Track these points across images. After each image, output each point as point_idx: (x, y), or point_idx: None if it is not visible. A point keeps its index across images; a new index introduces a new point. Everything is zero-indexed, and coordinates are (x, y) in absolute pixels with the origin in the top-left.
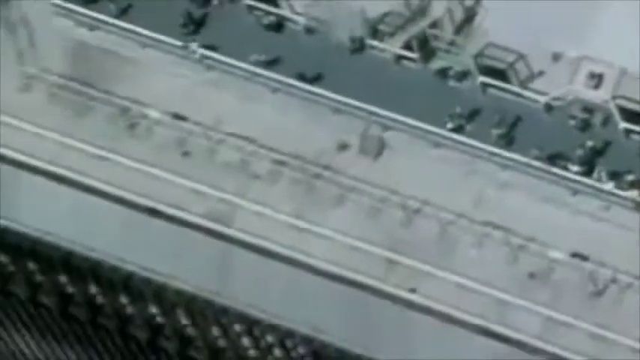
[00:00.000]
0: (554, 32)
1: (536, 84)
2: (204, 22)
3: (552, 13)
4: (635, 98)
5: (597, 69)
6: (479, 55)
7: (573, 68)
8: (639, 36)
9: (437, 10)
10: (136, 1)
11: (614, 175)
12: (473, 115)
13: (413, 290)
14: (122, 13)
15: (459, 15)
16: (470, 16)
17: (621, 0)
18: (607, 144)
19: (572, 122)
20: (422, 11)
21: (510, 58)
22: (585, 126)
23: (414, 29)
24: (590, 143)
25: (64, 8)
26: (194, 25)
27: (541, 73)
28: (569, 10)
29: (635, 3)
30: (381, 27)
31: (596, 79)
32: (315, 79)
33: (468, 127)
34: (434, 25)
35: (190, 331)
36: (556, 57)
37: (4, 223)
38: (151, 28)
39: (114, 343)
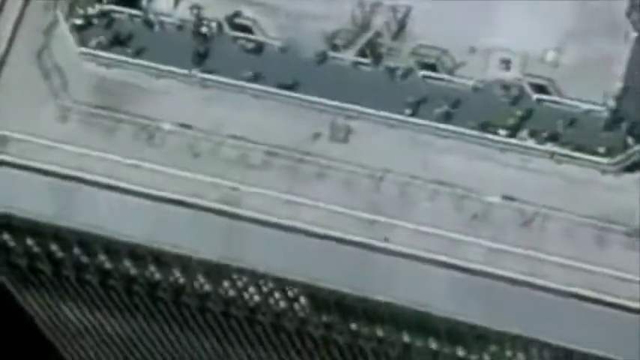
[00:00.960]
0: (468, 30)
1: (461, 72)
2: (207, 54)
3: (464, 15)
4: (538, 74)
5: (505, 55)
6: (414, 54)
7: (486, 57)
8: (532, 29)
9: (377, 24)
10: (148, 43)
11: (534, 134)
12: (420, 101)
13: (386, 239)
14: (137, 54)
15: (393, 26)
16: (402, 26)
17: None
18: (529, 111)
19: (504, 99)
20: (365, 26)
21: (437, 54)
22: (514, 100)
23: (362, 40)
24: (518, 112)
25: (89, 54)
26: (200, 58)
27: (462, 64)
28: (478, 12)
29: (526, 5)
30: (337, 41)
31: (506, 64)
32: (291, 87)
33: (420, 110)
34: (377, 35)
35: (207, 287)
36: (472, 50)
37: (58, 221)
38: (160, 62)
39: (144, 302)
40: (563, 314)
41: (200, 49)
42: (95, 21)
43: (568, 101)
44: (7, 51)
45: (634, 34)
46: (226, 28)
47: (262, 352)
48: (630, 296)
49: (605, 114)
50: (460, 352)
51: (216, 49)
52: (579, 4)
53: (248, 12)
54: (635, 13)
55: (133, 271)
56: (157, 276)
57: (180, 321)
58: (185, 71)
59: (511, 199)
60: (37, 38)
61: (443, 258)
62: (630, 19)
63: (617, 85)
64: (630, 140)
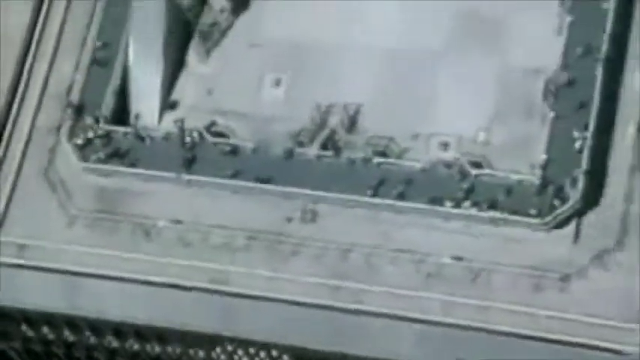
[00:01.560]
0: (409, 120)
1: (408, 155)
2: (194, 159)
3: (406, 108)
4: (473, 152)
5: (443, 139)
6: (368, 144)
7: (427, 141)
8: (464, 115)
9: (332, 121)
10: (140, 154)
11: (475, 203)
12: (378, 184)
13: (359, 302)
14: (131, 164)
15: (346, 122)
16: (354, 122)
17: (451, 92)
18: (472, 184)
19: (449, 176)
20: (323, 124)
21: (385, 142)
22: (460, 176)
23: (322, 136)
24: (464, 186)
25: (90, 168)
26: (187, 163)
27: (408, 149)
28: (416, 104)
29: (458, 95)
30: (301, 139)
31: (445, 146)
32: (265, 180)
33: (379, 191)
34: (334, 131)
35: (202, 355)
36: (415, 136)
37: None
38: (151, 169)
39: None
40: (510, 352)
41: (187, 155)
42: (94, 139)
43: (501, 174)
44: (18, 171)
45: (551, 114)
46: (206, 136)
47: None
48: (567, 332)
49: (535, 182)
50: None
51: (199, 153)
52: (501, 91)
53: (222, 121)
54: (550, 97)
55: (137, 347)
56: (157, 349)
57: None
58: (173, 175)
59: (460, 259)
60: (43, 158)
61: (406, 313)
62: (546, 102)
63: (542, 157)
64: (556, 202)
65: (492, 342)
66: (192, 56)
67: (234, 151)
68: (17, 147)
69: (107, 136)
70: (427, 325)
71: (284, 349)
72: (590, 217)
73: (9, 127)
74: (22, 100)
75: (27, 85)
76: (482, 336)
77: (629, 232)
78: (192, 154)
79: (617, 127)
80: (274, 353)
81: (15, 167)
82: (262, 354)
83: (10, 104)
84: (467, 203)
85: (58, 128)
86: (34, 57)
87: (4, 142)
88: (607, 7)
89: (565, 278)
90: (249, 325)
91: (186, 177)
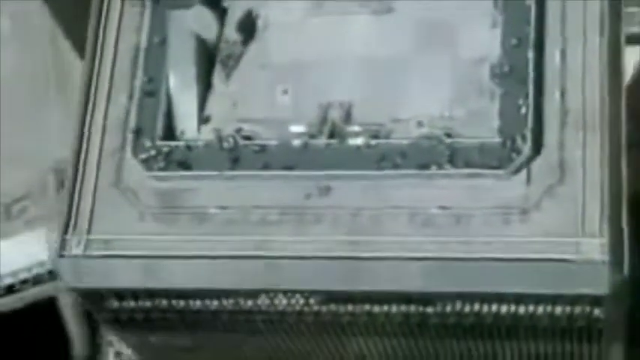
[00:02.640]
0: (390, 108)
1: (395, 135)
2: (232, 159)
3: (385, 100)
4: (443, 126)
5: (419, 119)
6: (363, 130)
7: (407, 123)
8: (430, 99)
9: (332, 116)
10: (190, 160)
11: (454, 164)
12: (379, 159)
13: (369, 251)
14: (185, 168)
15: (343, 115)
16: (349, 114)
17: (419, 84)
18: (450, 151)
19: (430, 146)
20: (325, 119)
21: (376, 127)
22: (440, 145)
23: (326, 129)
24: (443, 152)
25: (152, 176)
26: (229, 163)
27: (393, 130)
28: (393, 95)
29: (424, 85)
30: (311, 132)
31: (420, 124)
32: (288, 167)
33: (380, 165)
34: (334, 124)
35: (250, 304)
36: (396, 120)
37: (148, 285)
38: (200, 170)
39: (207, 323)
40: (489, 272)
41: (227, 156)
42: (154, 154)
43: (469, 140)
44: (95, 187)
45: (499, 91)
46: (238, 140)
47: (288, 341)
48: (529, 250)
49: (496, 142)
50: (428, 310)
51: (234, 154)
52: (457, 78)
53: (247, 127)
54: (496, 79)
55: (199, 305)
56: (215, 304)
57: (230, 330)
58: (217, 172)
59: (445, 208)
60: (113, 174)
61: (407, 254)
62: (494, 82)
63: (497, 123)
64: (513, 155)
65: (475, 267)
66: (217, 80)
67: (262, 148)
68: (92, 169)
69: (163, 150)
70: (424, 261)
71: (312, 292)
72: (537, 163)
73: (82, 154)
74: (90, 130)
75: (92, 118)
76: (467, 264)
77: (565, 171)
78: (230, 156)
79: (547, 94)
80: (306, 294)
81: (92, 185)
82: (297, 296)
83: (81, 135)
84: (447, 165)
85: (122, 149)
86: (95, 95)
87: (81, 166)
88: (529, 4)
89: (524, 211)
90: (287, 278)
91: (228, 173)
